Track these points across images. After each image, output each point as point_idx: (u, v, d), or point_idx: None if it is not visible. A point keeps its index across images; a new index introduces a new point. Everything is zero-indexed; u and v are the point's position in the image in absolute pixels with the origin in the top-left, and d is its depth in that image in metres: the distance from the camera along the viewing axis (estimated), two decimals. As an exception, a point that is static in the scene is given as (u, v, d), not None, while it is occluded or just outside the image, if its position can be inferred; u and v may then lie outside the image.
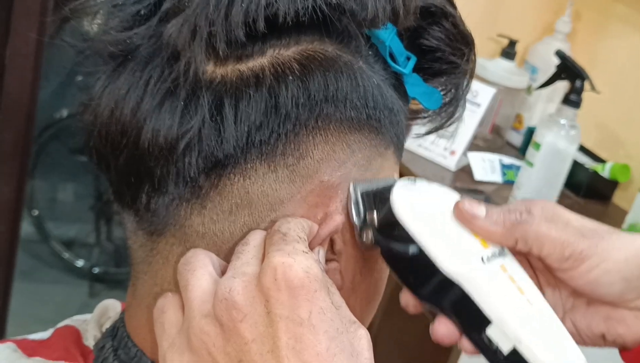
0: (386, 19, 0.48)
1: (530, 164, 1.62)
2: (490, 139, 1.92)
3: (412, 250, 0.47)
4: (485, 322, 0.47)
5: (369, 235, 0.49)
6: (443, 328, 0.49)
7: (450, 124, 0.55)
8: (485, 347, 0.48)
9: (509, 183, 1.73)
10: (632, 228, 1.57)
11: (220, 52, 0.44)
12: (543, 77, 1.77)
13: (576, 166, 1.70)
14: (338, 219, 0.48)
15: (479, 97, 1.75)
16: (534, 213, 0.51)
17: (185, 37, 0.43)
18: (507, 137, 1.97)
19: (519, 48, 1.93)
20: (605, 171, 1.74)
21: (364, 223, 0.49)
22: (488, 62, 1.89)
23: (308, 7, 0.45)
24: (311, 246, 0.46)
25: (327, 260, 0.49)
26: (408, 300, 0.50)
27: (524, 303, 0.48)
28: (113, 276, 2.66)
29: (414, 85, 0.52)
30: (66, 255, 2.63)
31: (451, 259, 0.47)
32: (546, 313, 0.49)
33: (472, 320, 0.47)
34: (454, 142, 1.71)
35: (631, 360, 0.53)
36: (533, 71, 1.94)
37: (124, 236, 0.52)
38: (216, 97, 0.45)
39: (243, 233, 0.47)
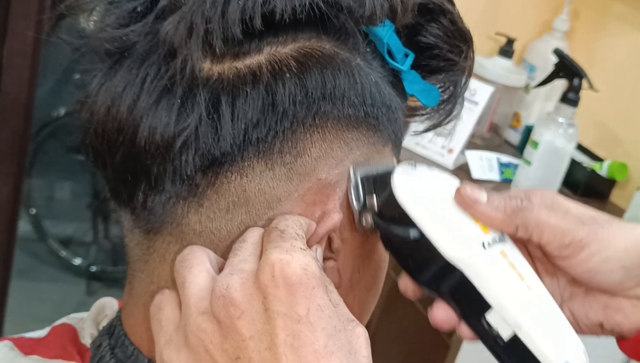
0: (384, 16, 0.48)
1: (528, 162, 1.62)
2: (488, 137, 1.93)
3: (412, 234, 0.47)
4: (485, 307, 0.47)
5: (368, 219, 0.48)
6: (442, 314, 0.49)
7: (448, 122, 0.55)
8: (485, 332, 0.48)
9: (506, 182, 1.73)
10: (630, 227, 1.56)
11: (217, 50, 0.44)
12: (541, 76, 1.77)
13: (574, 164, 1.70)
14: (336, 217, 0.48)
15: (477, 95, 1.75)
16: (534, 200, 0.51)
17: (182, 34, 0.43)
18: (504, 135, 1.97)
19: (517, 46, 1.93)
20: (603, 169, 1.75)
21: (364, 207, 0.48)
22: (486, 61, 1.89)
23: (305, 4, 0.45)
24: (309, 244, 0.46)
25: (325, 258, 0.49)
26: (407, 285, 0.50)
27: (524, 289, 0.48)
28: (110, 274, 2.66)
29: (412, 82, 0.52)
30: (63, 253, 2.62)
31: (452, 244, 0.47)
32: (546, 300, 0.49)
33: (472, 305, 0.47)
34: (451, 140, 1.71)
35: (628, 349, 0.53)
36: (531, 69, 1.94)
37: (121, 234, 0.52)
38: (213, 94, 0.44)
39: (240, 231, 0.47)
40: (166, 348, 0.44)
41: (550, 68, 1.69)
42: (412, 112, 0.55)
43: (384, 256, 0.53)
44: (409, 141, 1.72)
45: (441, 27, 0.52)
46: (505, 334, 0.47)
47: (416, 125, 0.56)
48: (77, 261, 2.63)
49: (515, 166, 1.75)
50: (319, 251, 0.47)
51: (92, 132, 0.47)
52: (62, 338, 0.56)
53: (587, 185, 1.73)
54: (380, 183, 0.48)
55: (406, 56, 0.52)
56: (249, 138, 0.45)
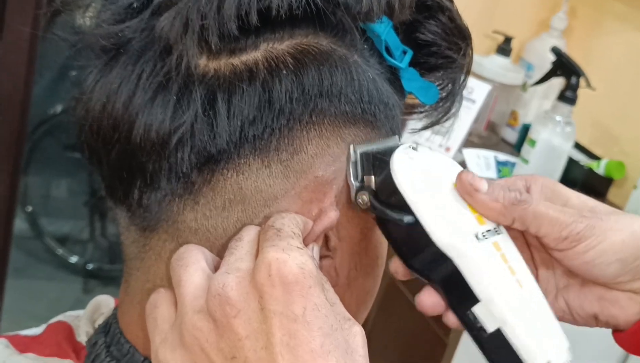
0: (381, 12, 0.48)
1: (526, 161, 1.62)
2: (485, 135, 1.92)
3: (407, 219, 0.47)
4: (472, 299, 0.47)
5: (364, 199, 0.48)
6: (429, 299, 0.49)
7: (446, 120, 0.55)
8: (470, 323, 0.47)
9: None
10: (627, 225, 1.57)
11: (213, 46, 0.44)
12: (538, 74, 1.77)
13: (571, 163, 1.70)
14: (332, 215, 0.47)
15: (475, 93, 1.75)
16: (533, 191, 0.51)
17: (177, 30, 0.43)
18: (502, 134, 1.97)
19: (514, 45, 1.93)
20: (600, 168, 1.75)
21: (361, 186, 0.48)
22: (483, 59, 1.89)
23: (302, 0, 0.44)
24: (305, 243, 0.46)
25: (322, 256, 0.49)
26: (398, 267, 0.50)
27: (513, 284, 0.48)
28: (107, 272, 2.66)
29: (411, 79, 0.52)
30: (60, 251, 2.62)
31: (445, 233, 0.46)
32: (535, 296, 0.49)
33: (460, 295, 0.47)
34: (449, 138, 1.71)
35: (624, 341, 0.53)
36: (528, 67, 1.94)
37: (118, 232, 0.52)
38: (209, 91, 0.44)
39: (236, 229, 0.47)
40: (161, 347, 0.44)
41: (547, 66, 1.69)
42: (410, 109, 0.55)
43: (382, 255, 0.53)
44: (406, 140, 1.71)
45: (439, 24, 0.52)
46: (491, 327, 0.47)
47: (414, 123, 0.56)
48: (74, 259, 2.63)
49: (513, 165, 1.75)
50: (315, 249, 0.47)
51: (88, 129, 0.47)
52: (57, 336, 0.56)
53: (585, 184, 1.73)
54: (379, 162, 0.48)
55: (404, 53, 0.52)
56: (245, 135, 0.45)
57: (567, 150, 1.63)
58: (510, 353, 0.47)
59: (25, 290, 2.42)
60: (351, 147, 0.48)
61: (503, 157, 1.79)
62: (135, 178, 0.46)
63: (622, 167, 1.74)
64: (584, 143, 1.84)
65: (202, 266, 0.45)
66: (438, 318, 0.50)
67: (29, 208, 2.61)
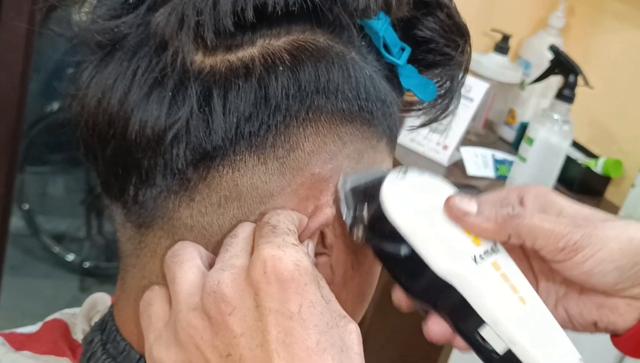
0: (378, 9, 0.47)
1: (523, 159, 1.62)
2: (483, 134, 1.92)
3: (403, 250, 0.47)
4: (478, 322, 0.47)
5: (359, 233, 0.48)
6: (436, 327, 0.49)
7: (444, 117, 0.54)
8: (480, 346, 0.48)
9: (501, 178, 1.73)
10: (625, 224, 1.56)
11: (209, 42, 0.43)
12: (536, 72, 1.77)
13: (569, 161, 1.70)
14: (328, 212, 0.47)
15: (472, 92, 1.74)
16: (527, 203, 0.51)
17: (173, 26, 0.42)
18: (500, 132, 1.96)
19: (512, 43, 1.92)
20: (598, 166, 1.75)
21: (354, 220, 0.48)
22: (481, 57, 1.89)
23: None
24: (301, 239, 0.46)
25: (318, 254, 0.48)
26: (400, 297, 0.50)
27: (517, 303, 0.48)
28: (104, 270, 2.65)
29: (409, 77, 0.52)
30: (56, 249, 2.61)
31: (443, 259, 0.46)
32: (540, 312, 0.49)
33: (466, 320, 0.47)
34: (446, 137, 1.70)
35: (622, 345, 0.53)
36: (526, 66, 1.93)
37: (114, 230, 0.52)
38: (204, 87, 0.44)
39: (232, 226, 0.46)
40: (156, 344, 0.44)
41: (545, 65, 1.68)
42: (408, 106, 0.54)
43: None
44: (403, 137, 1.71)
45: (437, 21, 0.52)
46: (500, 349, 0.47)
47: (412, 120, 0.55)
48: (70, 257, 2.62)
49: (510, 163, 1.75)
50: (310, 246, 0.47)
51: (83, 125, 0.47)
52: (53, 334, 0.56)
53: (582, 182, 1.73)
54: (370, 194, 0.48)
55: (402, 50, 0.51)
56: (241, 132, 0.44)
57: (565, 148, 1.63)
58: None
59: (22, 288, 2.42)
60: (340, 181, 0.47)
61: (501, 155, 1.79)
62: (130, 174, 0.46)
63: (619, 166, 1.74)
64: (582, 141, 1.84)
65: (196, 263, 0.45)
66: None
67: (26, 206, 2.60)
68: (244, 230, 0.45)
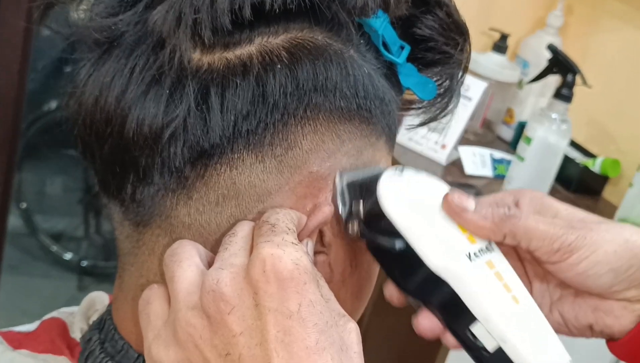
0: (376, 7, 0.47)
1: (521, 158, 1.62)
2: (481, 133, 1.92)
3: (398, 245, 0.47)
4: (470, 319, 0.47)
5: (354, 227, 0.48)
6: (426, 322, 0.49)
7: (444, 116, 0.54)
8: (470, 343, 0.48)
9: (499, 178, 1.73)
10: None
11: (206, 40, 0.43)
12: (534, 72, 1.77)
13: (567, 160, 1.70)
14: (327, 210, 0.47)
15: (470, 91, 1.74)
16: (522, 205, 0.51)
17: (170, 24, 0.42)
18: (498, 131, 1.97)
19: (510, 42, 1.92)
20: (595, 166, 1.75)
21: (350, 215, 0.48)
22: (480, 56, 1.89)
23: None
24: (300, 238, 0.45)
25: (317, 252, 0.48)
26: (392, 292, 0.50)
27: (510, 302, 0.48)
28: (102, 269, 2.65)
29: (408, 75, 0.52)
30: (54, 248, 2.61)
31: (438, 255, 0.46)
32: (532, 312, 0.49)
33: (457, 316, 0.47)
34: (444, 136, 1.70)
35: (618, 350, 0.53)
36: (524, 65, 1.93)
37: (112, 229, 0.52)
38: (202, 85, 0.44)
39: (230, 224, 0.46)
40: (154, 343, 0.44)
41: (543, 64, 1.68)
42: (408, 105, 0.54)
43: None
44: (402, 136, 1.71)
45: (437, 19, 0.52)
46: (491, 346, 0.47)
47: (411, 119, 0.55)
48: (68, 256, 2.62)
49: (508, 162, 1.75)
50: (309, 244, 0.47)
51: (81, 123, 0.47)
52: (51, 333, 0.56)
53: (580, 181, 1.73)
54: (366, 189, 0.48)
55: (402, 48, 0.51)
56: (238, 130, 0.44)
57: (563, 148, 1.63)
58: None
59: (20, 287, 2.41)
60: (337, 177, 0.47)
61: (499, 155, 1.79)
62: (128, 172, 0.46)
63: (617, 165, 1.74)
64: (580, 140, 1.84)
65: (195, 262, 0.44)
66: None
67: (24, 205, 2.60)
68: (243, 229, 0.45)
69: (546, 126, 1.59)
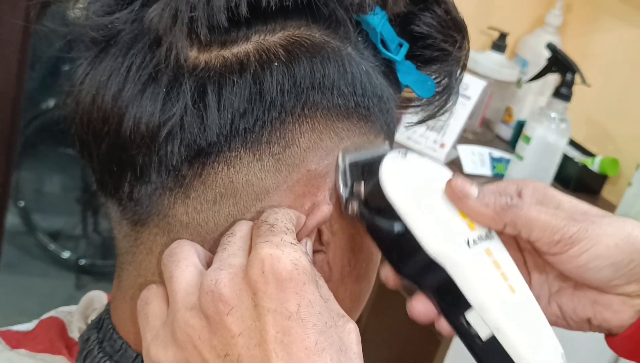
0: (374, 4, 0.47)
1: (520, 157, 1.62)
2: (480, 132, 1.92)
3: (397, 228, 0.46)
4: (465, 306, 0.47)
5: (354, 207, 0.47)
6: (421, 307, 0.48)
7: (442, 113, 0.54)
8: (463, 330, 0.47)
9: (498, 177, 1.73)
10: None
11: (202, 38, 0.43)
12: (533, 71, 1.77)
13: (566, 159, 1.70)
14: (326, 209, 0.47)
15: (469, 90, 1.74)
16: (525, 195, 0.51)
17: (166, 22, 0.42)
18: (496, 130, 1.97)
19: (509, 41, 1.92)
20: (594, 165, 1.75)
21: (351, 195, 0.47)
22: (478, 55, 1.89)
23: None
24: (298, 238, 0.45)
25: (315, 251, 0.48)
26: (388, 274, 0.50)
27: (506, 290, 0.48)
28: (100, 268, 2.65)
29: (407, 73, 0.52)
30: (52, 246, 2.61)
31: (436, 240, 0.46)
32: (528, 302, 0.49)
33: (453, 302, 0.47)
34: (443, 135, 1.70)
35: (617, 345, 0.53)
36: (523, 64, 1.94)
37: (110, 228, 0.52)
38: (199, 83, 0.44)
39: (228, 223, 0.46)
40: (153, 344, 0.44)
41: (542, 63, 1.68)
42: (406, 103, 0.54)
43: (376, 251, 0.52)
44: (400, 135, 1.71)
45: (435, 17, 0.51)
46: (484, 334, 0.47)
47: (409, 117, 0.55)
48: (66, 254, 2.62)
49: (507, 161, 1.75)
50: (308, 244, 0.47)
51: (78, 122, 0.47)
52: (49, 332, 0.56)
53: (579, 180, 1.73)
54: (368, 171, 0.48)
55: (400, 45, 0.51)
56: (235, 128, 0.44)
57: (562, 147, 1.63)
58: (504, 360, 0.46)
59: (17, 285, 2.41)
60: (340, 155, 0.47)
61: (498, 153, 1.79)
62: (125, 171, 0.46)
63: (616, 164, 1.74)
64: (579, 139, 1.84)
65: (194, 262, 0.44)
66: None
67: (22, 203, 2.60)
68: (242, 229, 0.45)
69: (545, 125, 1.59)
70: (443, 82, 0.53)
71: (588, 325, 0.53)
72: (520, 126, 1.80)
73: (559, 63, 1.62)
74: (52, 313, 0.58)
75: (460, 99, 1.76)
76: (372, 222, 0.47)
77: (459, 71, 0.53)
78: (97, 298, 0.59)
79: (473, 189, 0.48)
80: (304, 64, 0.45)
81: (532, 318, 0.49)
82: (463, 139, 1.79)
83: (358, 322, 0.46)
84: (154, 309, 0.45)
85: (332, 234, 0.49)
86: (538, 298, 0.50)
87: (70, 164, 2.60)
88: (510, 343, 0.46)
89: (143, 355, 0.45)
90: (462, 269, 0.46)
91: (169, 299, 0.44)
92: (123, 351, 0.51)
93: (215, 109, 0.44)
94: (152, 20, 0.43)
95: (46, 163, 2.74)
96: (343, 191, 0.47)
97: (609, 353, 0.57)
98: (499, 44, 1.90)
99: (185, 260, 0.44)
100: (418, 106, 0.54)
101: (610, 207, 1.70)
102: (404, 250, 0.47)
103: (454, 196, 0.48)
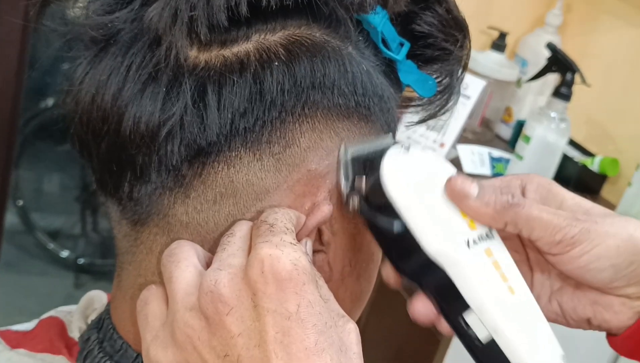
0: (375, 3, 0.47)
1: (520, 157, 1.62)
2: (479, 132, 1.92)
3: (396, 226, 0.46)
4: (464, 307, 0.46)
5: (355, 203, 0.47)
6: (421, 307, 0.48)
7: (443, 113, 0.54)
8: (462, 331, 0.47)
9: (498, 176, 1.72)
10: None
11: (202, 37, 0.43)
12: (533, 70, 1.77)
13: (565, 159, 1.70)
14: (326, 209, 0.47)
15: (469, 89, 1.74)
16: (528, 192, 0.50)
17: (166, 21, 0.42)
18: (496, 130, 1.97)
19: (509, 40, 1.92)
20: (594, 164, 1.75)
21: (352, 190, 0.47)
22: (478, 55, 1.89)
23: None
24: (298, 238, 0.45)
25: (315, 251, 0.48)
26: (389, 273, 0.50)
27: (505, 292, 0.47)
28: (98, 267, 2.65)
29: (408, 72, 0.51)
30: (51, 245, 2.61)
31: (436, 240, 0.46)
32: (527, 304, 0.48)
33: (452, 303, 0.47)
34: (443, 134, 1.70)
35: (618, 345, 0.53)
36: (523, 63, 1.93)
37: (109, 227, 0.52)
38: (199, 83, 0.44)
39: (228, 223, 0.46)
40: (153, 345, 0.43)
41: (542, 62, 1.68)
42: (407, 102, 0.54)
43: (377, 251, 0.52)
44: (400, 135, 1.70)
45: (436, 16, 0.51)
46: (483, 336, 0.46)
47: (410, 116, 0.55)
48: (65, 253, 2.62)
49: (507, 161, 1.75)
50: (308, 244, 0.47)
51: (78, 121, 0.47)
52: (49, 332, 0.56)
53: (579, 180, 1.73)
54: (370, 165, 0.47)
55: (401, 45, 0.51)
56: (236, 128, 0.44)
57: (562, 147, 1.63)
58: (504, 362, 0.46)
59: (16, 284, 2.41)
60: (342, 148, 0.47)
61: (497, 153, 1.79)
62: (125, 170, 0.46)
63: (616, 164, 1.74)
64: (579, 139, 1.84)
65: (193, 262, 0.44)
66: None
67: (20, 202, 2.59)
68: (241, 229, 0.45)
69: (545, 125, 1.59)
70: (444, 81, 0.53)
71: (587, 324, 0.53)
72: (520, 125, 1.80)
73: (559, 63, 1.62)
74: (51, 312, 0.58)
75: (460, 98, 1.76)
76: (372, 219, 0.47)
77: (460, 71, 0.53)
78: (97, 298, 0.58)
79: (473, 188, 0.47)
80: (305, 63, 0.45)
81: (532, 320, 0.48)
82: (463, 138, 1.79)
83: (358, 322, 0.46)
84: (153, 310, 0.45)
85: (333, 234, 0.48)
86: (539, 296, 0.49)
87: (69, 163, 2.60)
88: (509, 346, 0.46)
89: (143, 356, 0.45)
90: (461, 270, 0.46)
91: (168, 300, 0.44)
92: (123, 351, 0.51)
93: (215, 109, 0.44)
94: (151, 19, 0.42)
95: (45, 162, 2.73)
96: (344, 186, 0.47)
97: (609, 351, 0.58)
98: (499, 44, 1.90)
99: (185, 261, 0.44)
100: (419, 105, 0.54)
101: (609, 207, 1.68)
102: (403, 249, 0.47)
103: (453, 195, 0.47)
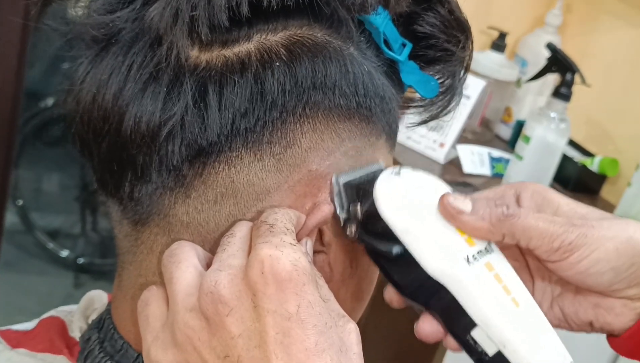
0: (376, 3, 0.47)
1: (520, 157, 1.62)
2: (479, 132, 1.92)
3: (395, 249, 0.46)
4: (470, 323, 0.46)
5: (352, 229, 0.47)
6: (427, 327, 0.48)
7: (445, 114, 0.54)
8: (471, 347, 0.47)
9: (497, 176, 1.72)
10: (621, 222, 1.57)
11: (203, 37, 0.43)
12: (533, 70, 1.77)
13: (565, 159, 1.70)
14: (326, 209, 0.47)
15: (469, 89, 1.74)
16: (523, 200, 0.50)
17: (167, 21, 0.42)
18: (496, 130, 1.96)
19: (509, 40, 1.92)
20: (594, 165, 1.75)
21: (348, 217, 0.47)
22: (478, 55, 1.89)
23: None
24: (298, 238, 0.45)
25: (316, 252, 0.48)
26: (392, 296, 0.50)
27: (509, 305, 0.47)
28: (98, 267, 2.65)
29: (410, 73, 0.51)
30: (51, 245, 2.61)
31: (436, 259, 0.46)
32: (533, 314, 0.48)
33: (457, 320, 0.47)
34: (443, 134, 1.70)
35: (619, 346, 0.53)
36: (523, 63, 1.93)
37: (109, 226, 0.52)
38: (200, 83, 0.44)
39: (228, 223, 0.46)
40: (153, 345, 0.43)
41: (542, 63, 1.68)
42: (408, 103, 0.54)
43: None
44: (400, 135, 1.69)
45: (438, 16, 0.51)
46: (491, 351, 0.46)
47: (411, 117, 0.55)
48: (65, 253, 2.61)
49: (507, 161, 1.75)
50: (309, 244, 0.46)
51: (78, 121, 0.47)
52: (49, 332, 0.56)
53: (578, 180, 1.73)
54: (363, 191, 0.47)
55: (403, 45, 0.51)
56: (236, 128, 0.44)
57: (562, 147, 1.62)
58: None
59: (16, 284, 2.41)
60: (333, 178, 0.47)
61: (497, 153, 1.78)
62: (125, 170, 0.46)
63: (615, 164, 1.74)
64: (579, 139, 1.84)
65: (194, 263, 0.44)
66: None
67: (20, 202, 2.59)
68: (241, 229, 0.45)
69: (545, 125, 1.59)
70: (446, 82, 0.53)
71: (590, 327, 0.53)
72: (519, 125, 1.80)
73: (559, 63, 1.62)
74: (52, 312, 0.58)
75: (460, 98, 1.75)
76: (371, 244, 0.47)
77: (462, 71, 0.53)
78: (97, 298, 0.58)
79: (466, 205, 0.47)
80: (306, 63, 0.45)
81: (538, 329, 0.48)
82: (462, 138, 1.79)
83: (358, 322, 0.46)
84: (154, 310, 0.45)
85: (334, 235, 0.48)
86: (540, 302, 0.49)
87: (69, 162, 2.60)
88: (517, 358, 0.46)
89: (143, 357, 0.45)
90: (463, 287, 0.46)
91: (169, 300, 0.44)
92: (124, 351, 0.51)
93: (216, 109, 0.43)
94: (152, 19, 0.42)
95: (44, 162, 2.73)
96: (340, 214, 0.47)
97: (609, 351, 0.57)
98: (499, 44, 1.90)
99: (185, 261, 0.44)
100: (421, 106, 0.54)
101: (609, 207, 1.70)
102: (404, 271, 0.47)
103: (447, 214, 0.47)
